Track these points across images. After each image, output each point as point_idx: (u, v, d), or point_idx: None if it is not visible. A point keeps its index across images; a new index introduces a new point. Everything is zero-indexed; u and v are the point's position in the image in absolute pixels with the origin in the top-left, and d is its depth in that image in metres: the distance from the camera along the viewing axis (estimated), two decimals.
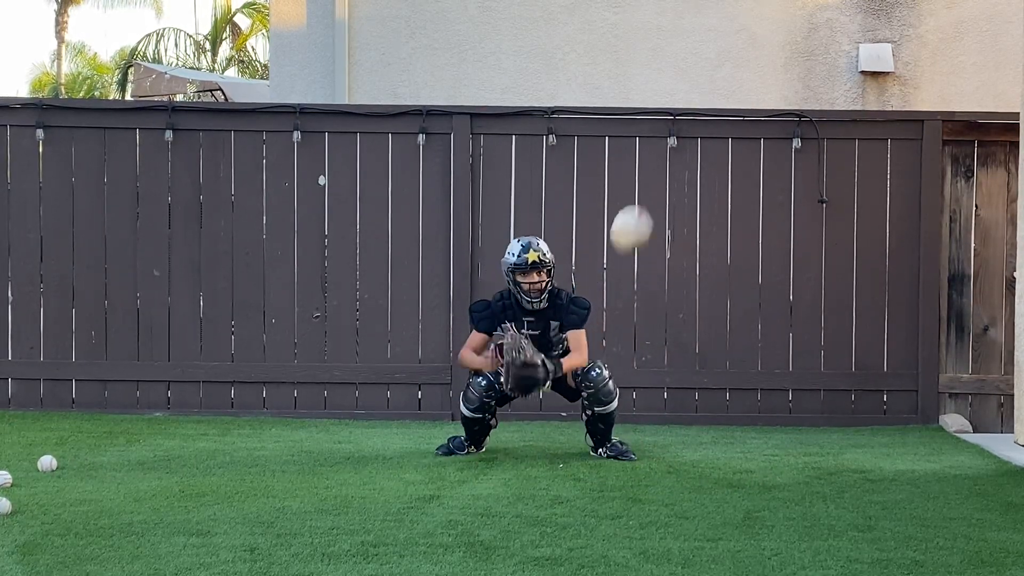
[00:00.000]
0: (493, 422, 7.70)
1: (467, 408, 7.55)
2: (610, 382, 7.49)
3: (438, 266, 9.44)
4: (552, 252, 7.62)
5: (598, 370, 7.49)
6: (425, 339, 9.42)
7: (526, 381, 7.28)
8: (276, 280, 9.49)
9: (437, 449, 7.73)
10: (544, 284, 7.49)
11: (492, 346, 7.56)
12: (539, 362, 7.27)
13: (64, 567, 4.85)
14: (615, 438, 7.67)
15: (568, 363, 7.49)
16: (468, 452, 7.68)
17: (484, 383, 7.49)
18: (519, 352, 7.22)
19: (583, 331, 7.59)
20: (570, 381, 7.58)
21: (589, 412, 7.54)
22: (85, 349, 9.44)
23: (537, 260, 7.42)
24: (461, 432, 7.76)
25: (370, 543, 5.26)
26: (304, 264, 9.51)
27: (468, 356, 7.70)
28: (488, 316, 7.63)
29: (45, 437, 8.16)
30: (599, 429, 7.60)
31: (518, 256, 7.45)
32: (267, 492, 6.37)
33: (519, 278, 7.47)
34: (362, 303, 9.50)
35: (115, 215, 9.49)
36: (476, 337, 7.69)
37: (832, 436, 8.78)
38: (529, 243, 7.51)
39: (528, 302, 7.50)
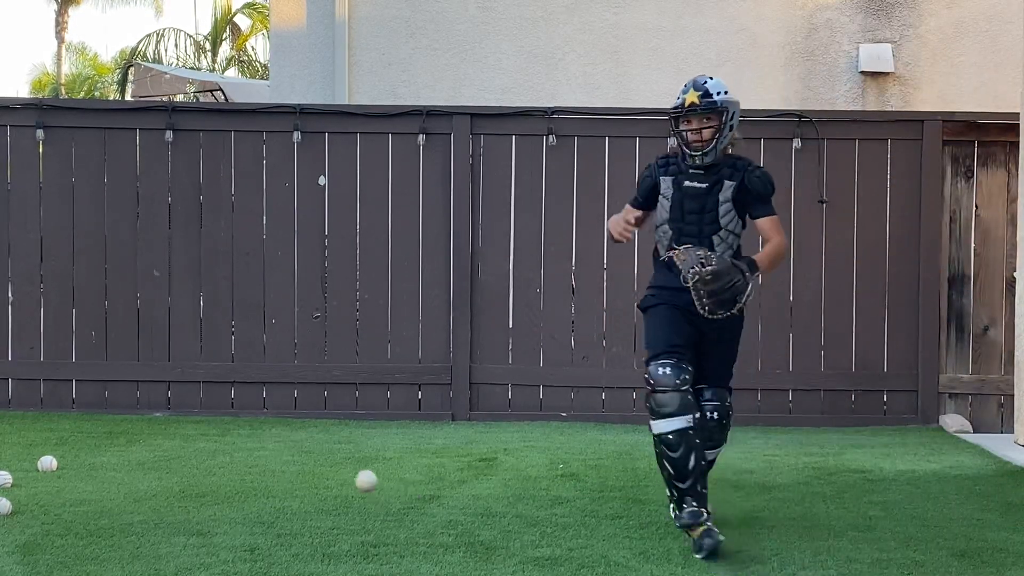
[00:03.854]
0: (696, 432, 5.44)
1: (664, 418, 5.38)
2: (724, 423, 5.77)
3: (438, 266, 9.44)
4: (729, 93, 5.84)
5: (729, 407, 5.85)
6: (425, 339, 9.42)
7: (727, 293, 5.44)
8: (276, 280, 9.49)
9: (697, 551, 5.22)
10: (709, 133, 5.68)
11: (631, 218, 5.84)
12: (728, 265, 5.47)
13: (64, 567, 4.85)
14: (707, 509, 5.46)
15: (766, 255, 5.68)
16: (710, 525, 5.31)
17: (668, 369, 5.45)
18: (699, 264, 5.42)
19: (775, 216, 5.78)
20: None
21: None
22: (85, 349, 9.44)
23: (697, 101, 5.65)
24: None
25: (370, 543, 5.26)
26: (304, 264, 9.51)
27: (612, 220, 5.89)
28: (648, 175, 5.86)
29: (45, 437, 8.16)
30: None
31: (677, 99, 5.72)
32: (267, 492, 6.37)
33: (681, 127, 5.70)
34: (362, 303, 9.50)
35: (115, 215, 9.49)
36: (627, 211, 5.86)
37: (832, 436, 8.78)
38: (694, 82, 5.74)
39: (691, 156, 5.68)
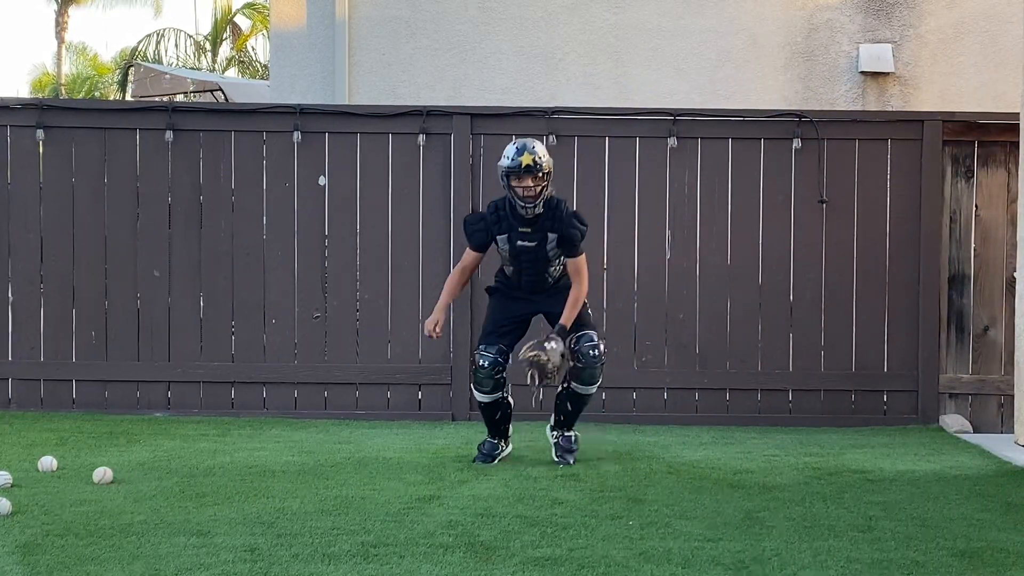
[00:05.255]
0: (510, 400, 7.42)
1: (482, 393, 7.31)
2: (600, 366, 7.28)
3: (438, 266, 9.43)
4: (549, 156, 7.17)
5: (596, 351, 7.24)
6: (425, 339, 9.40)
7: (548, 367, 7.07)
8: (276, 280, 9.49)
9: (475, 460, 7.41)
10: (539, 190, 7.04)
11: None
12: (545, 350, 7.06)
13: (64, 567, 4.85)
14: (575, 432, 7.50)
15: (569, 313, 7.17)
16: (501, 451, 7.47)
17: (486, 363, 7.22)
18: (530, 366, 7.08)
19: (582, 258, 7.29)
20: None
21: (566, 385, 7.32)
22: (85, 349, 9.44)
23: (532, 163, 6.98)
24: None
25: (370, 543, 5.26)
26: (304, 264, 9.51)
27: (450, 280, 7.47)
28: (482, 228, 7.27)
29: (45, 437, 8.16)
30: (567, 409, 7.41)
31: (512, 159, 7.02)
32: (267, 492, 6.37)
33: (513, 183, 7.04)
34: (362, 303, 9.51)
35: (115, 215, 9.49)
36: (468, 256, 7.39)
37: (832, 436, 8.78)
38: (524, 145, 7.07)
39: (523, 207, 7.06)
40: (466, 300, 9.26)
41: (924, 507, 6.24)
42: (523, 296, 7.39)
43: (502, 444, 7.51)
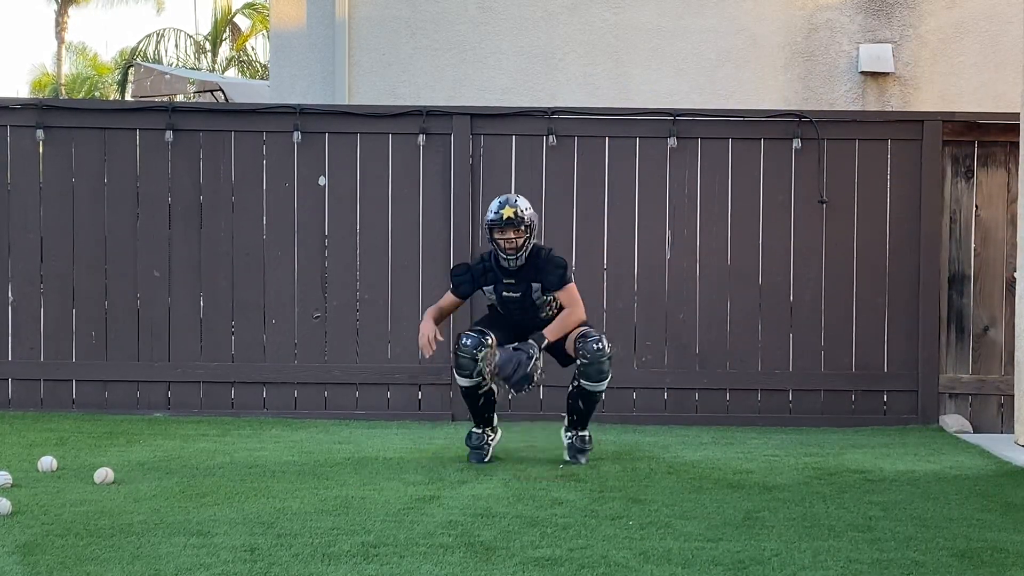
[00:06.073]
0: (492, 387, 7.39)
1: (463, 377, 7.27)
2: (608, 361, 7.27)
3: (438, 266, 9.44)
4: (533, 210, 7.36)
5: (600, 344, 7.25)
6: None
7: (518, 374, 7.09)
8: (276, 280, 9.49)
9: (470, 458, 7.43)
10: (520, 242, 7.23)
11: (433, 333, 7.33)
12: (509, 353, 7.12)
13: (64, 567, 4.85)
14: (588, 432, 7.51)
15: (555, 327, 7.26)
16: (489, 441, 7.48)
17: (469, 341, 7.19)
18: (496, 368, 7.12)
19: (572, 285, 7.36)
20: (569, 347, 7.33)
21: (575, 384, 7.34)
22: (85, 349, 9.44)
23: (512, 216, 7.18)
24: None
25: (370, 543, 5.26)
26: (304, 264, 9.51)
27: (427, 317, 7.44)
28: (468, 279, 7.47)
29: (45, 437, 8.16)
30: (579, 408, 7.40)
31: (494, 212, 7.24)
32: (267, 492, 6.37)
33: (496, 235, 7.25)
34: (362, 303, 9.51)
35: (115, 216, 9.49)
36: (448, 298, 7.55)
37: (832, 436, 8.78)
38: (507, 200, 7.30)
39: (505, 259, 7.27)
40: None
41: (924, 507, 6.24)
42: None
43: (488, 432, 7.50)
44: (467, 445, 7.52)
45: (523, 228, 7.23)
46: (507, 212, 7.20)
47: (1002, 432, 9.19)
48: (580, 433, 7.48)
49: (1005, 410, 9.27)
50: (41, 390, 9.44)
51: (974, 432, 9.18)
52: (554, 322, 7.30)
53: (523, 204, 7.31)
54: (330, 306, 9.48)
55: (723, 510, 6.06)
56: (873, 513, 6.07)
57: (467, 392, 7.37)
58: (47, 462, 6.93)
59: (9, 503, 5.75)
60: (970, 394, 9.38)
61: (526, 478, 6.89)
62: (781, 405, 9.44)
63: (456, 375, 7.38)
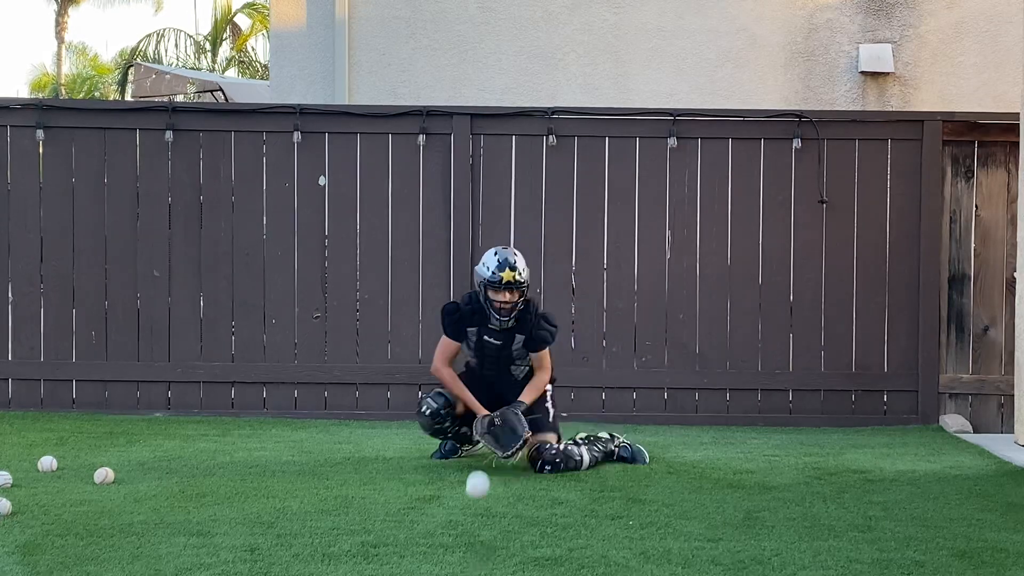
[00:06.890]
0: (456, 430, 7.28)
1: (421, 429, 7.35)
2: (568, 461, 7.02)
3: (438, 266, 9.44)
4: (529, 268, 7.27)
5: (550, 465, 6.97)
6: (425, 339, 9.41)
7: (505, 436, 6.96)
8: (276, 280, 9.49)
9: (433, 455, 7.44)
10: (516, 303, 7.08)
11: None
12: (505, 428, 6.94)
13: (64, 567, 4.85)
14: (622, 438, 7.48)
15: (530, 393, 7.17)
16: (462, 453, 7.46)
17: (429, 412, 7.15)
18: (480, 433, 7.01)
19: (546, 352, 7.27)
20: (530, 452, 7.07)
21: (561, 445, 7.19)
22: (85, 349, 9.44)
23: (512, 281, 7.02)
24: None
25: (370, 543, 5.26)
26: (304, 264, 9.51)
27: (446, 373, 7.28)
28: (456, 322, 7.26)
29: (45, 437, 8.16)
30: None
31: (492, 273, 7.03)
32: (267, 492, 6.37)
33: (491, 294, 7.06)
34: (362, 303, 9.51)
35: (115, 215, 9.49)
36: (448, 346, 7.31)
37: (832, 436, 8.78)
38: (506, 260, 7.05)
39: (497, 319, 7.11)
40: None
41: (924, 507, 6.24)
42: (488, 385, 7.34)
43: (463, 448, 7.46)
44: (441, 448, 7.45)
45: (519, 292, 7.08)
46: (507, 276, 7.02)
47: (1002, 432, 9.19)
48: (624, 443, 7.48)
49: (1005, 410, 9.27)
50: (41, 390, 9.44)
51: (974, 432, 9.18)
52: (527, 389, 7.18)
53: (521, 265, 7.11)
54: (330, 306, 9.48)
55: (723, 510, 6.06)
56: (873, 513, 6.07)
57: (430, 432, 7.34)
58: (47, 462, 6.93)
59: (9, 503, 5.75)
60: (970, 394, 9.38)
61: (526, 478, 6.89)
62: (781, 405, 9.44)
63: (418, 421, 7.36)
